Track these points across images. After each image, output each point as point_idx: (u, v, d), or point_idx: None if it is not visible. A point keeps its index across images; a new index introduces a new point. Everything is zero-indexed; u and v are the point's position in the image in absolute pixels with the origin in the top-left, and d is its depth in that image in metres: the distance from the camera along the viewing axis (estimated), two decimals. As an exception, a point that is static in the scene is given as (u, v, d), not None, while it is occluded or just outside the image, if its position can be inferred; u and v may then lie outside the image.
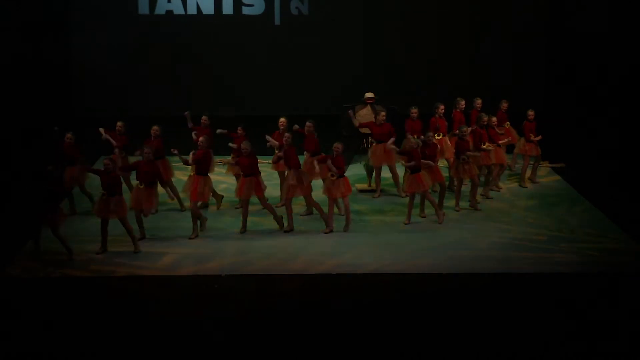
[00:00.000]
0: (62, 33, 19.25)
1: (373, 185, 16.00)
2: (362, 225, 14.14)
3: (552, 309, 11.09)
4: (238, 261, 12.66)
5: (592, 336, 10.35)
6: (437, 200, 14.42)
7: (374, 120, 15.52)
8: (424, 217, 14.44)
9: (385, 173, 15.73)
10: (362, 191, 15.90)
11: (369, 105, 15.92)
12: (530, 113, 16.00)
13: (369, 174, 16.00)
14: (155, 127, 14.57)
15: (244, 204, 13.76)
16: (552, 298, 11.45)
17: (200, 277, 12.13)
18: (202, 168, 13.69)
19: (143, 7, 19.62)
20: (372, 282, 12.02)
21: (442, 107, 15.88)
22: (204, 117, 15.10)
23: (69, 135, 14.34)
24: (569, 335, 10.40)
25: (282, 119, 14.89)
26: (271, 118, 15.17)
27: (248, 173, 13.58)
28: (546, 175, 16.83)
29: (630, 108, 17.16)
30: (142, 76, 19.59)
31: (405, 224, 14.17)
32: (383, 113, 15.47)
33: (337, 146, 13.66)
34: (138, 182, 13.37)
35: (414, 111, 15.57)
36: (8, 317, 10.81)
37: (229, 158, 14.93)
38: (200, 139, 13.82)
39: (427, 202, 14.38)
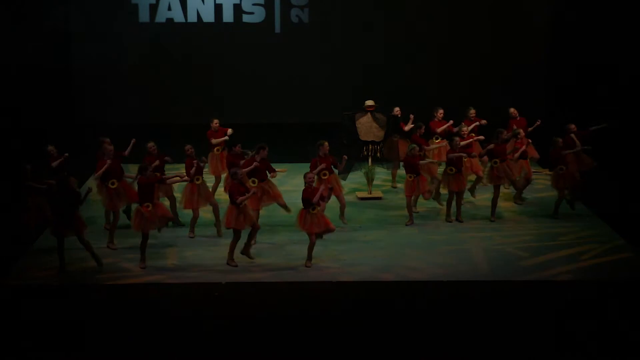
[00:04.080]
0: (63, 40, 19.27)
1: (373, 192, 16.02)
2: (362, 233, 14.15)
3: (554, 316, 11.10)
4: (238, 268, 12.68)
5: (593, 343, 10.37)
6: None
7: (377, 128, 15.64)
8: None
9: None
10: (362, 199, 15.90)
11: (369, 113, 15.96)
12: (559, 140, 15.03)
13: (370, 181, 16.01)
14: (188, 147, 13.92)
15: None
16: (554, 305, 11.46)
17: (201, 284, 12.14)
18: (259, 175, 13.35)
19: (144, 15, 19.64)
20: (370, 289, 12.02)
21: (441, 111, 16.08)
22: (215, 121, 15.21)
23: (107, 139, 14.00)
24: (570, 341, 10.42)
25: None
26: (271, 126, 15.15)
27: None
28: (546, 184, 16.82)
29: (631, 115, 17.20)
30: (143, 83, 19.61)
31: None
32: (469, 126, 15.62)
33: (310, 175, 12.79)
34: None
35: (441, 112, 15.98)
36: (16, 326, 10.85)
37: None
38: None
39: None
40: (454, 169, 14.37)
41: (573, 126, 15.48)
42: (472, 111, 16.28)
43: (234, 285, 12.11)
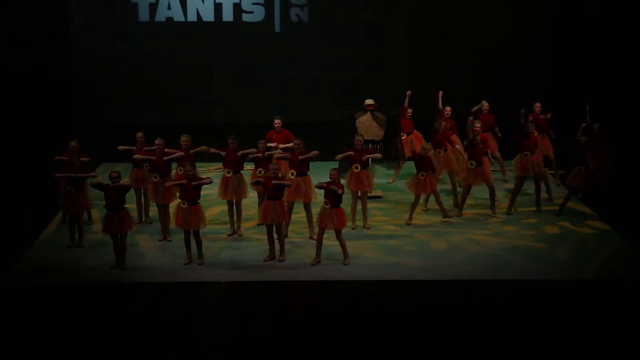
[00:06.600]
0: (62, 40, 19.29)
1: (373, 191, 16.03)
2: (363, 232, 14.16)
3: (554, 315, 11.13)
4: (240, 267, 12.70)
5: (591, 342, 10.40)
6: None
7: (377, 127, 15.68)
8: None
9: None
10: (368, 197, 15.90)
11: (369, 112, 15.97)
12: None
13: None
14: (184, 137, 13.91)
15: (268, 229, 12.83)
16: (553, 304, 11.49)
17: (201, 283, 12.17)
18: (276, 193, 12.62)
19: (143, 14, 19.67)
20: (371, 289, 12.04)
21: (409, 110, 16.10)
22: (277, 121, 14.75)
23: (140, 134, 13.99)
24: (570, 340, 10.45)
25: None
26: (270, 125, 15.13)
27: (272, 196, 12.59)
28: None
29: (631, 116, 17.22)
30: (142, 83, 19.64)
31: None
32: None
33: (333, 172, 12.57)
34: (181, 201, 12.58)
35: (410, 111, 16.03)
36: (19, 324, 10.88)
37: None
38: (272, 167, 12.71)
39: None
40: (474, 162, 14.40)
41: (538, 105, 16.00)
42: (448, 109, 16.29)
43: (234, 285, 12.15)
